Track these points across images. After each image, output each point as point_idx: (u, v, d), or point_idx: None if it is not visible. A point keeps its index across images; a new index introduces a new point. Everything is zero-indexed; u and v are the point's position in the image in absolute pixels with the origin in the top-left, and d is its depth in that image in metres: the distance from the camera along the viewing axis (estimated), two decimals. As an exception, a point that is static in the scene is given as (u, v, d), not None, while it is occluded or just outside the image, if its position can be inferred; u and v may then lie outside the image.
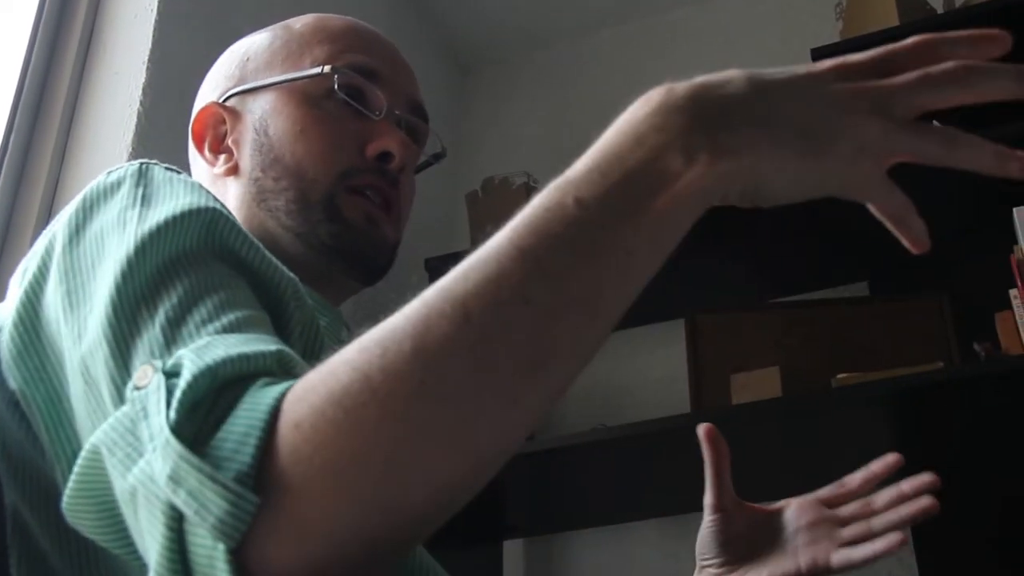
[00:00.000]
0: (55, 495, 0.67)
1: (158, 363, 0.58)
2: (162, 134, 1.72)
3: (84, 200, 0.75)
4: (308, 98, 0.97)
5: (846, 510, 1.03)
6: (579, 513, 2.13)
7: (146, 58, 1.76)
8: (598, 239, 0.56)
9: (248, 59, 1.01)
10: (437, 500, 0.54)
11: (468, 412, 0.52)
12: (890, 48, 0.63)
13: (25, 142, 1.74)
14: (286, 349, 0.60)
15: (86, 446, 0.58)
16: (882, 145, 0.62)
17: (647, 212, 0.58)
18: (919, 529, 1.89)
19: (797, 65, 0.63)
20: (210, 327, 0.62)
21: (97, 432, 0.58)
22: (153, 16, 1.81)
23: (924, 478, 1.01)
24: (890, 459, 1.01)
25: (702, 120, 0.61)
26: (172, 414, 0.54)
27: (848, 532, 1.01)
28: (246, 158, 0.96)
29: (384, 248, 0.98)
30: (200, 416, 0.55)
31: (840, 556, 0.99)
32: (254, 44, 1.03)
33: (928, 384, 1.71)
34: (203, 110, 1.01)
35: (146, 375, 0.58)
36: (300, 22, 1.03)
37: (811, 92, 0.62)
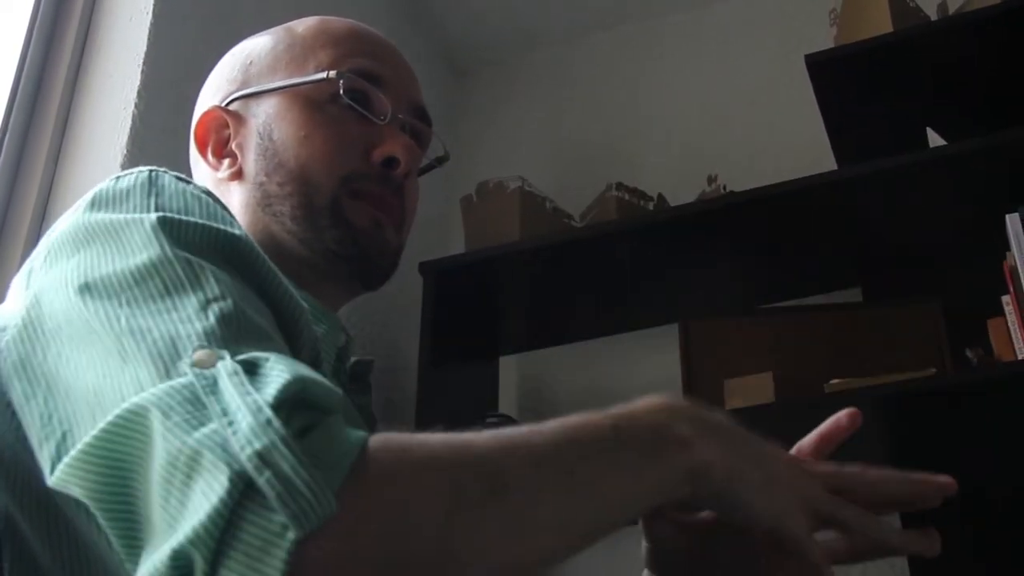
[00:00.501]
0: (48, 498, 0.67)
1: (223, 352, 0.60)
2: (157, 136, 1.72)
3: (92, 203, 0.75)
4: (312, 102, 0.97)
5: None
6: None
7: (141, 60, 1.76)
8: (620, 460, 0.68)
9: (251, 63, 1.01)
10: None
11: (517, 526, 0.61)
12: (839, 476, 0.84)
13: (20, 144, 1.74)
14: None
15: (125, 406, 0.58)
16: (808, 506, 0.78)
17: (655, 458, 0.70)
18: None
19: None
20: (269, 344, 0.64)
21: (143, 395, 0.58)
22: (148, 18, 1.81)
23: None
24: (842, 417, 0.95)
25: (690, 420, 0.74)
26: (269, 398, 0.56)
27: None
28: (250, 163, 0.96)
29: (388, 253, 0.98)
30: (286, 413, 0.56)
31: None
32: (256, 47, 1.03)
33: (921, 390, 1.71)
34: (206, 114, 1.00)
35: (209, 358, 0.59)
36: (303, 25, 1.03)
37: (764, 447, 0.80)
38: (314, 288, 0.93)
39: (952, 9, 2.10)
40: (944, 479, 0.83)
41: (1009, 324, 1.75)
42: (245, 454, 0.53)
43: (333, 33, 1.01)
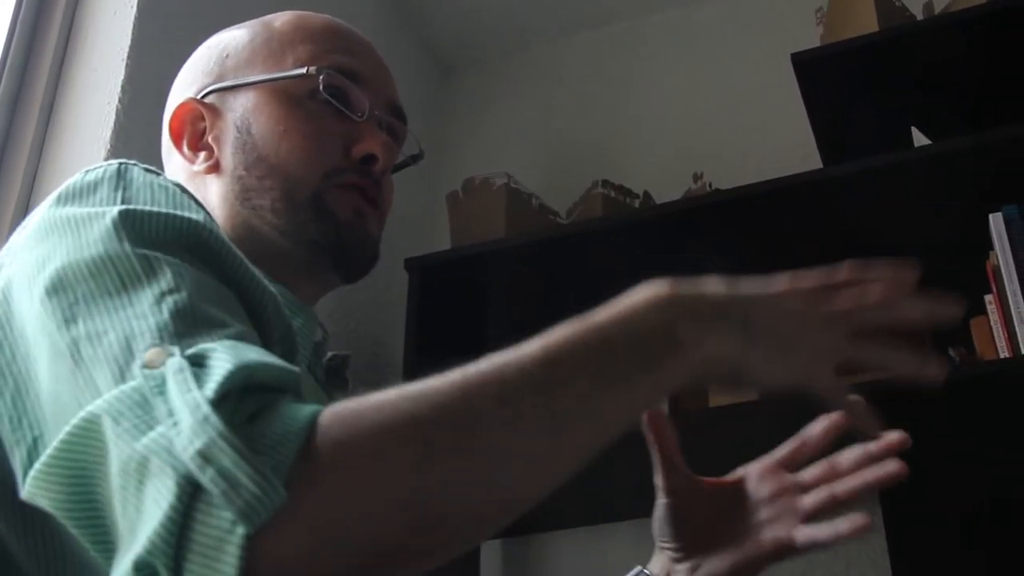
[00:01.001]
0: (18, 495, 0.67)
1: (173, 348, 0.59)
2: (141, 131, 1.71)
3: (60, 197, 0.75)
4: (291, 97, 0.97)
5: (809, 474, 0.97)
6: (555, 514, 2.14)
7: (125, 55, 1.76)
8: (610, 375, 0.65)
9: (227, 56, 1.01)
10: (446, 545, 0.59)
11: (494, 472, 0.59)
12: (830, 278, 0.82)
13: (2, 138, 1.73)
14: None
15: (80, 415, 0.58)
16: (830, 354, 0.77)
17: (652, 368, 0.67)
18: (892, 532, 1.90)
19: (762, 283, 0.77)
20: (222, 332, 0.63)
21: (97, 402, 0.58)
22: (132, 12, 1.80)
23: (893, 437, 0.96)
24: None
25: (691, 314, 0.70)
26: (209, 392, 0.56)
27: (810, 501, 0.94)
28: (228, 156, 0.96)
29: (370, 243, 0.99)
30: (231, 406, 0.56)
31: (804, 535, 0.92)
32: (233, 40, 1.02)
33: (902, 388, 1.72)
34: (181, 106, 1.00)
35: (159, 357, 0.59)
36: (280, 20, 1.03)
37: (775, 308, 0.75)
38: (292, 282, 0.94)
39: (938, 9, 2.10)
40: (952, 304, 0.82)
41: (991, 323, 1.76)
42: (187, 454, 0.53)
43: (311, 28, 1.01)
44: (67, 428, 0.58)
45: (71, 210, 0.72)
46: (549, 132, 2.72)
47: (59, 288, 0.66)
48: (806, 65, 2.04)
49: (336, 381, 0.98)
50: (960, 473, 1.90)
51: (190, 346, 0.60)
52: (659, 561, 1.00)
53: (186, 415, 0.55)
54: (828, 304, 0.79)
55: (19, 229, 0.76)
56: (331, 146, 0.96)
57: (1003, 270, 1.73)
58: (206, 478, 0.52)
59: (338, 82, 0.98)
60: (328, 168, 0.95)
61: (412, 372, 2.05)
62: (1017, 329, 1.69)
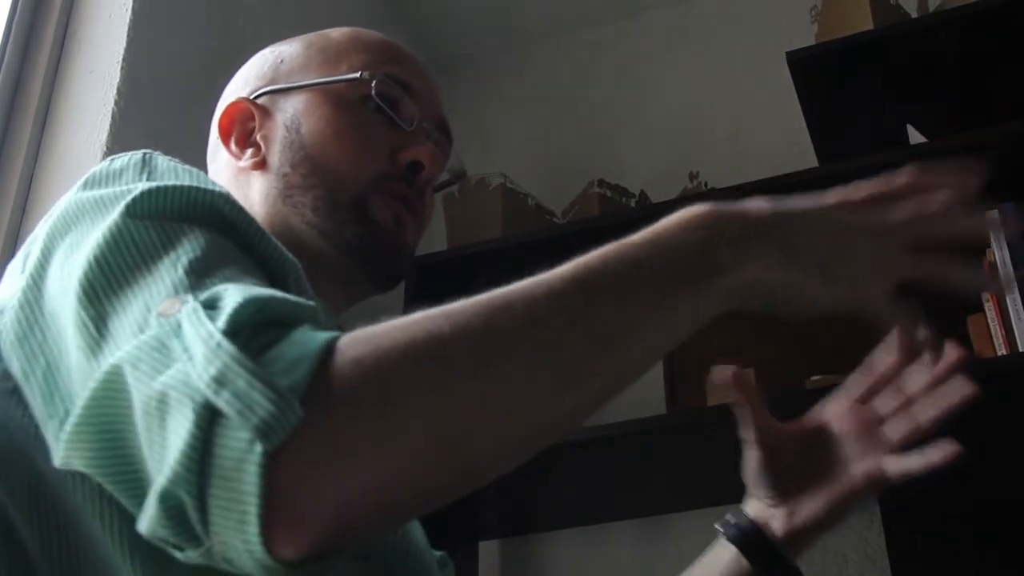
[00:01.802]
0: (42, 490, 0.68)
1: (187, 296, 0.61)
2: (137, 133, 1.71)
3: (86, 182, 0.76)
4: (343, 101, 0.98)
5: (884, 406, 0.98)
6: (554, 513, 2.14)
7: (121, 58, 1.75)
8: (644, 298, 0.64)
9: (282, 61, 1.03)
10: (468, 468, 0.58)
11: (517, 394, 0.58)
12: (887, 186, 0.78)
13: (-2, 141, 1.73)
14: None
15: (102, 368, 0.59)
16: (886, 271, 0.73)
17: (688, 291, 0.66)
18: (890, 529, 1.90)
19: (809, 198, 0.73)
20: (235, 280, 0.64)
21: (118, 354, 0.59)
22: (128, 16, 1.80)
23: (952, 354, 0.95)
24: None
25: (730, 234, 0.68)
26: (221, 324, 0.56)
27: (895, 433, 0.96)
28: (275, 154, 0.97)
29: (406, 252, 1.00)
30: (245, 336, 0.56)
31: (896, 466, 0.94)
32: (289, 48, 1.04)
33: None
34: (232, 105, 1.01)
35: (173, 306, 0.60)
36: (337, 32, 1.05)
37: (823, 224, 0.72)
38: (322, 288, 0.94)
39: (932, 6, 2.11)
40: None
41: (989, 320, 1.76)
42: (203, 381, 0.54)
43: (367, 40, 1.04)
44: (91, 384, 0.59)
45: (97, 193, 0.73)
46: (545, 132, 2.72)
47: (87, 270, 0.67)
48: (801, 63, 2.04)
49: None
50: (959, 471, 1.90)
51: (203, 292, 0.61)
52: (754, 508, 1.01)
53: (199, 346, 0.56)
54: (884, 215, 0.75)
55: (45, 218, 0.77)
56: (379, 151, 0.97)
57: (1000, 266, 1.73)
58: (221, 401, 0.53)
59: (390, 90, 0.99)
60: (374, 173, 0.96)
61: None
62: (1015, 326, 1.69)
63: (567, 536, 2.18)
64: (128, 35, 1.78)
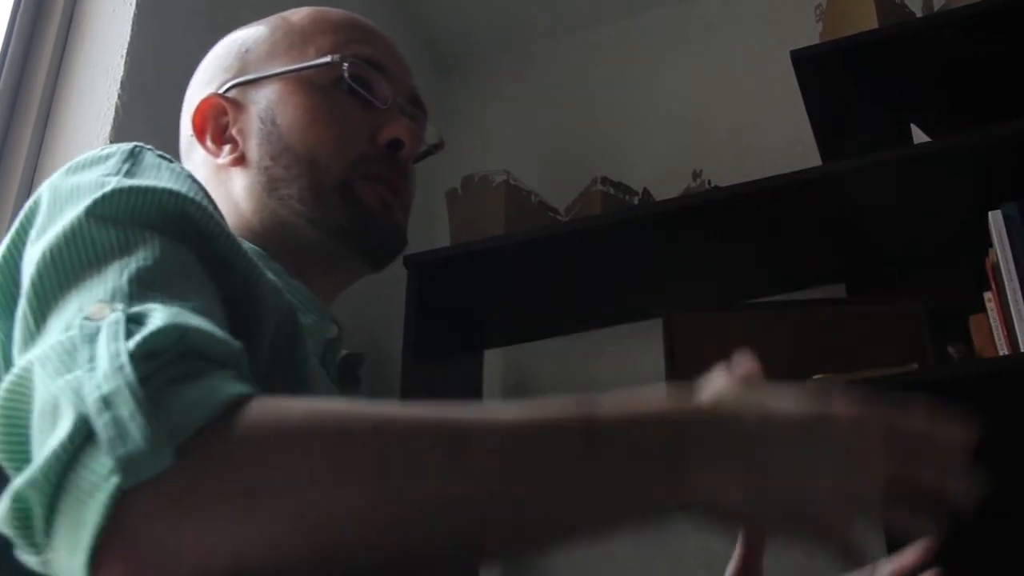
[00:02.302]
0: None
1: (119, 306, 0.59)
2: (140, 128, 1.71)
3: (70, 168, 0.76)
4: (315, 87, 0.97)
5: None
6: (555, 511, 2.13)
7: (124, 52, 1.75)
8: (582, 482, 0.58)
9: (246, 50, 1.01)
10: (322, 563, 0.54)
11: (396, 521, 0.54)
12: (901, 418, 0.69)
13: (1, 135, 1.73)
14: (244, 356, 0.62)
15: (22, 362, 0.59)
16: (861, 503, 0.66)
17: (635, 491, 0.60)
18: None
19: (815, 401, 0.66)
20: (179, 302, 0.62)
21: (35, 350, 0.59)
22: (132, 10, 1.80)
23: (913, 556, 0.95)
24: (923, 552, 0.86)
25: (711, 451, 0.61)
26: (133, 346, 0.55)
27: None
28: (253, 148, 0.97)
29: (398, 232, 1.00)
30: (154, 364, 0.55)
31: None
32: (251, 36, 1.03)
33: (902, 386, 1.72)
34: (204, 101, 1.00)
35: (102, 311, 0.59)
36: (298, 14, 1.04)
37: (812, 442, 0.64)
38: (314, 274, 0.94)
39: (937, 6, 2.10)
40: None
41: (991, 321, 1.76)
42: (91, 397, 0.53)
43: (331, 21, 1.02)
44: (8, 376, 0.59)
45: (76, 179, 0.73)
46: (548, 129, 2.72)
47: (40, 263, 0.67)
48: (805, 62, 2.04)
49: (349, 380, 0.98)
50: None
51: (137, 305, 0.60)
52: None
53: (105, 361, 0.55)
54: (884, 442, 0.67)
55: (38, 195, 0.77)
56: (357, 134, 0.97)
57: (1002, 267, 1.73)
58: (100, 422, 0.52)
59: (362, 71, 0.99)
60: (355, 156, 0.96)
61: (411, 369, 2.05)
62: (1016, 327, 1.69)
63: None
64: (132, 29, 1.78)
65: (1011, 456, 1.84)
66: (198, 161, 1.01)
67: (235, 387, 0.56)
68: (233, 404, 0.55)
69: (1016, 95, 2.00)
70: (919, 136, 1.95)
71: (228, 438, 0.53)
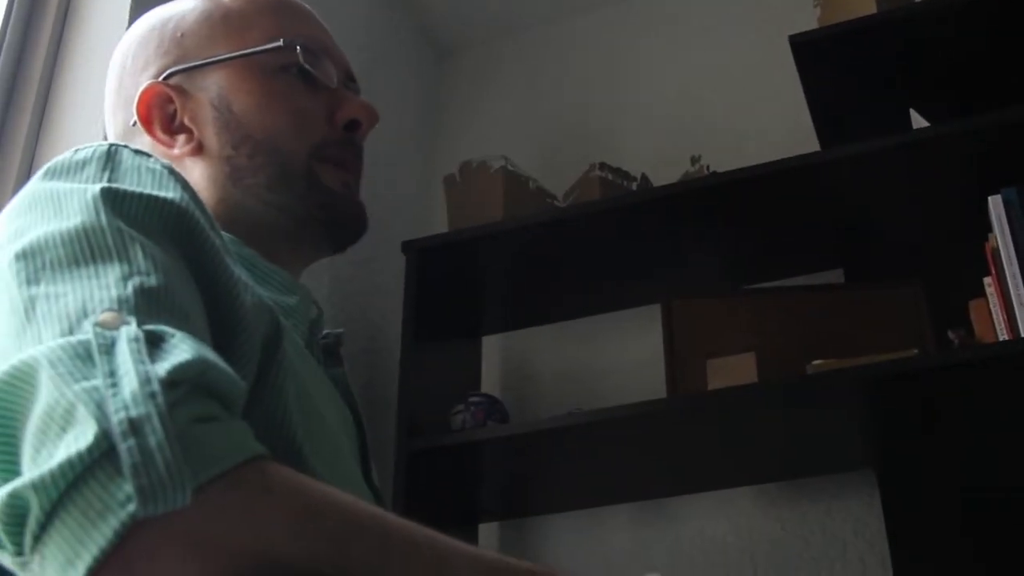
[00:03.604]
0: None
1: (130, 319, 0.59)
2: (137, 114, 1.70)
3: (47, 171, 0.75)
4: (266, 71, 0.96)
5: None
6: (553, 496, 2.14)
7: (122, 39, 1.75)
8: None
9: (182, 35, 0.99)
10: None
11: None
12: None
13: (-2, 124, 1.72)
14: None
15: (20, 357, 0.58)
16: None
17: None
18: (890, 514, 1.90)
19: None
20: (183, 324, 0.63)
21: (39, 348, 0.58)
22: (128, -3, 1.79)
23: None
24: None
25: None
26: (162, 372, 0.55)
27: None
28: (211, 137, 0.95)
29: (362, 216, 1.00)
30: (179, 395, 0.55)
31: None
32: (184, 20, 1.00)
33: (902, 371, 1.72)
34: (146, 91, 0.97)
35: (115, 320, 0.59)
36: None
37: None
38: (283, 261, 0.94)
39: (936, -10, 2.10)
40: None
41: (991, 306, 1.76)
42: (117, 417, 0.53)
43: (269, 2, 1.01)
44: (3, 368, 0.58)
45: (55, 184, 0.73)
46: (546, 115, 2.71)
47: (29, 253, 0.66)
48: (804, 47, 2.03)
49: (331, 360, 0.98)
50: (959, 456, 1.90)
51: (149, 324, 0.60)
52: None
53: (132, 382, 0.54)
54: None
55: (8, 205, 0.76)
56: (315, 117, 0.97)
57: (1002, 252, 1.73)
58: (124, 445, 0.52)
59: (310, 53, 0.98)
60: (315, 140, 0.96)
61: (409, 355, 2.05)
62: (1016, 312, 1.69)
63: (566, 519, 2.18)
64: (130, 14, 1.77)
65: (1012, 442, 1.84)
66: (149, 151, 1.00)
67: (254, 444, 0.58)
68: (252, 460, 0.57)
69: (1015, 80, 2.00)
70: (918, 121, 1.94)
71: (242, 492, 0.55)
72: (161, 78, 0.98)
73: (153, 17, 1.03)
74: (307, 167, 0.94)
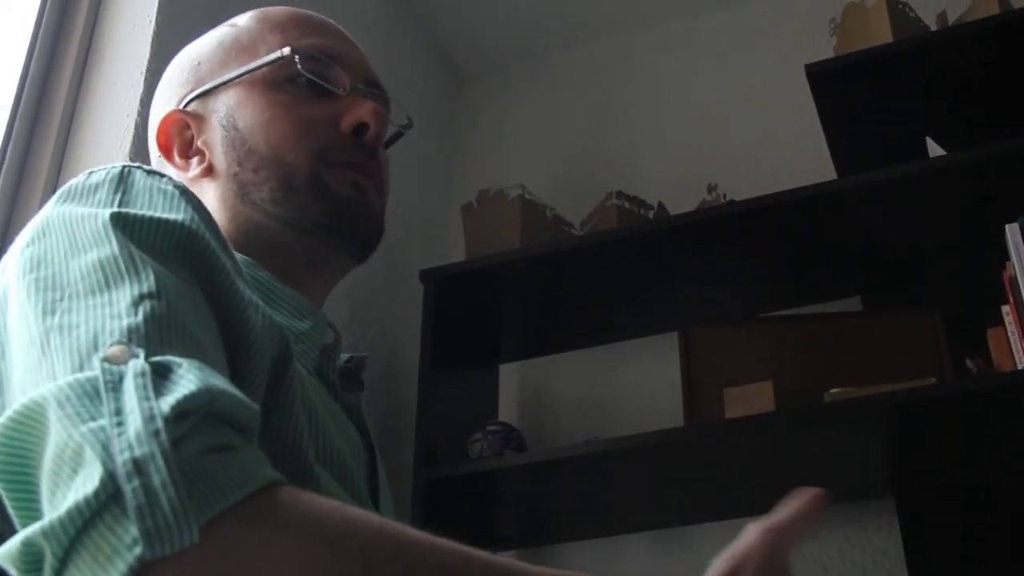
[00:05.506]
0: None
1: (139, 351, 0.59)
2: (159, 144, 1.72)
3: (61, 196, 0.76)
4: (271, 85, 0.96)
5: None
6: (571, 525, 2.14)
7: (144, 69, 1.76)
8: None
9: (199, 63, 1.01)
10: None
11: None
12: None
13: (22, 152, 1.74)
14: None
15: (30, 395, 0.58)
16: None
17: None
18: (908, 542, 1.89)
19: None
20: (194, 351, 0.63)
21: (49, 386, 0.58)
22: (151, 27, 1.81)
23: None
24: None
25: None
26: (166, 408, 0.55)
27: None
28: (219, 156, 0.95)
29: (374, 216, 0.97)
30: (186, 429, 0.55)
31: None
32: (202, 49, 1.03)
33: (920, 400, 1.72)
34: (165, 119, 0.99)
35: (123, 355, 0.59)
36: (243, 18, 1.03)
37: None
38: (302, 279, 0.93)
39: (952, 19, 2.10)
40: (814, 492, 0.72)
41: (1009, 334, 1.75)
42: (122, 458, 0.53)
43: (276, 19, 1.01)
44: (14, 407, 0.58)
45: (69, 208, 0.73)
46: (563, 143, 2.73)
47: (45, 285, 0.67)
48: (820, 76, 2.04)
49: (351, 384, 0.97)
50: (978, 483, 1.89)
51: (157, 354, 0.60)
52: None
53: (136, 420, 0.54)
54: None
55: (24, 230, 0.76)
56: (319, 123, 0.95)
57: (1020, 280, 1.73)
58: (129, 487, 0.52)
59: (314, 60, 0.97)
60: (319, 147, 0.94)
61: (427, 383, 2.05)
62: (1034, 340, 1.68)
63: (583, 548, 2.18)
64: (151, 47, 1.79)
65: (1029, 470, 1.84)
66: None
67: (266, 471, 0.57)
68: (266, 488, 0.56)
69: (1032, 108, 2.00)
70: (934, 150, 1.95)
71: (255, 524, 0.54)
72: (180, 106, 0.99)
73: (181, 53, 1.05)
74: (313, 175, 0.93)
